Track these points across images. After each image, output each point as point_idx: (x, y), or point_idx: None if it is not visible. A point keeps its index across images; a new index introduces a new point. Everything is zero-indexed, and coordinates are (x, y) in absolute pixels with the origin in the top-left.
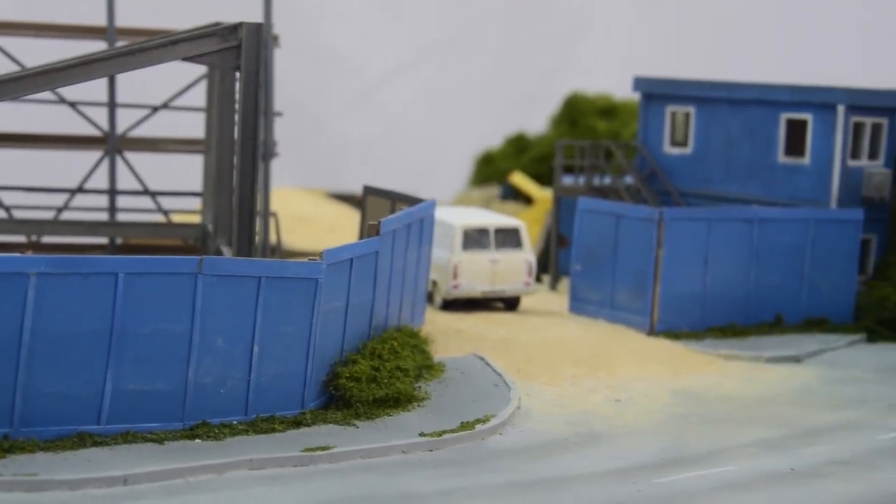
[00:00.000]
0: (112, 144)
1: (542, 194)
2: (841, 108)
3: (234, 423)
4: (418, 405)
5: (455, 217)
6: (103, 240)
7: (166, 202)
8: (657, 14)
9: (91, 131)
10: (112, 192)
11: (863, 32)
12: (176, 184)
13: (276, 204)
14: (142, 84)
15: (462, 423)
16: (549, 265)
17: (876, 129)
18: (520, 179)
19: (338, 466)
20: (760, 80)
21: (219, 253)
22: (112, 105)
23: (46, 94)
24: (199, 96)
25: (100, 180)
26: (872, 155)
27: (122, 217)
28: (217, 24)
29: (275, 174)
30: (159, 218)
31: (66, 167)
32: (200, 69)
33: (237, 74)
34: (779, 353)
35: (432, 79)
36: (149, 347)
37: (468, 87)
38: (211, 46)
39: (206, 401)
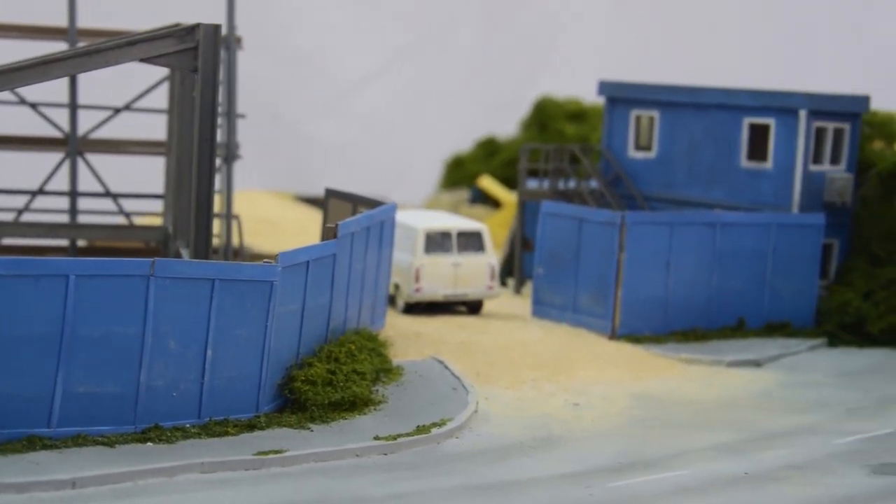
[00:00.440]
0: (73, 146)
1: (511, 198)
2: (803, 114)
3: (187, 426)
4: (375, 409)
5: (417, 220)
6: (64, 242)
7: (129, 204)
8: (633, 18)
9: (52, 133)
10: (73, 194)
11: (833, 38)
12: (138, 186)
13: (244, 207)
14: (105, 85)
15: (418, 426)
16: (513, 269)
17: (838, 134)
18: (488, 183)
19: (290, 470)
20: (726, 85)
21: (178, 255)
22: (73, 106)
23: (7, 95)
24: (161, 98)
25: (61, 182)
26: (834, 160)
27: (83, 219)
28: (176, 25)
29: (245, 177)
30: (121, 220)
31: (26, 169)
32: (163, 71)
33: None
34: (740, 358)
35: (406, 82)
36: (100, 350)
37: (441, 90)
38: (168, 48)
39: (159, 404)
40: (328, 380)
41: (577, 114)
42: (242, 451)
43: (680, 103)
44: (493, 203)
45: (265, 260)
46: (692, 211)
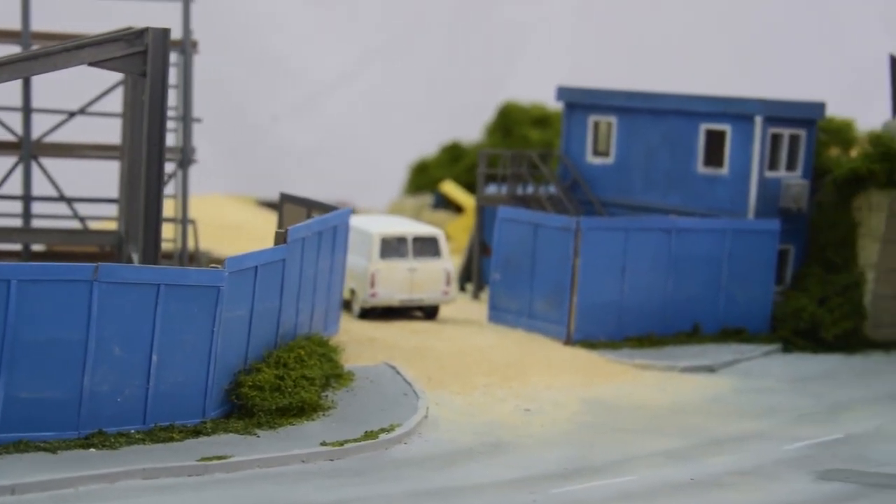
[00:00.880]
0: (27, 149)
1: (473, 203)
2: (758, 120)
3: (132, 431)
4: (323, 414)
5: (373, 225)
6: (17, 246)
7: (84, 209)
8: (599, 25)
9: (6, 136)
10: (27, 198)
11: (798, 46)
12: (93, 190)
13: (207, 211)
14: (60, 88)
15: (366, 432)
16: (472, 274)
17: (794, 140)
18: (450, 188)
19: (234, 476)
20: (689, 92)
21: (130, 260)
22: (27, 110)
23: None
24: (117, 101)
25: (14, 186)
26: (790, 166)
27: (37, 223)
28: (127, 29)
29: (209, 181)
30: (76, 224)
31: None
32: (119, 74)
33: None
34: (693, 363)
35: (373, 86)
36: (43, 355)
37: (408, 95)
38: (116, 51)
39: (103, 409)
40: (276, 385)
41: (542, 119)
42: (186, 457)
43: (637, 109)
44: (456, 208)
45: (212, 265)
46: (647, 216)
